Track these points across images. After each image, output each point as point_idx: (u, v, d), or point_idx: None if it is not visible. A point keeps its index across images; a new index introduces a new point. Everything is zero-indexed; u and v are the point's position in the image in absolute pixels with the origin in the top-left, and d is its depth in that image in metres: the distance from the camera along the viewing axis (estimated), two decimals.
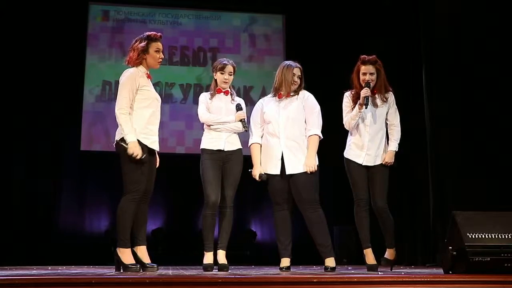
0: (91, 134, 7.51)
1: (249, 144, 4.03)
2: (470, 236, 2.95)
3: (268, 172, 3.90)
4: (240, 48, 8.11)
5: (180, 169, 6.95)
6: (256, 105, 4.10)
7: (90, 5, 7.83)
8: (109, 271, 3.64)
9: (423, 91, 6.31)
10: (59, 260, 5.66)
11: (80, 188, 7.43)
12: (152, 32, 3.66)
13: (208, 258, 3.84)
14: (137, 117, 3.52)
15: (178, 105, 7.81)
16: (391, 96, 4.06)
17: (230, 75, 4.01)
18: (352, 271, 3.78)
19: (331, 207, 7.40)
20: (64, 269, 4.23)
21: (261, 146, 3.97)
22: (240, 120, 3.94)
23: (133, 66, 3.62)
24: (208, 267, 3.80)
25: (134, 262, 3.46)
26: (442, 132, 6.03)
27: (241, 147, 4.00)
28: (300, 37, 7.88)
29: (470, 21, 5.88)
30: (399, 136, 4.02)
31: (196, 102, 7.30)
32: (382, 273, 3.42)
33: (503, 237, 2.97)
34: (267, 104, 4.00)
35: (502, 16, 5.67)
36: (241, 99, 4.14)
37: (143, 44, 3.59)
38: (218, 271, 3.77)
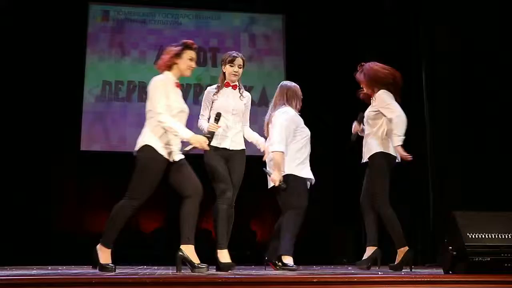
0: (91, 134, 7.49)
1: (275, 150, 3.88)
2: (470, 236, 2.96)
3: (307, 177, 3.98)
4: (240, 48, 8.07)
5: None
6: (288, 115, 4.01)
7: (90, 5, 7.81)
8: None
9: (423, 91, 6.31)
10: (59, 260, 5.65)
11: (80, 188, 7.42)
12: (189, 40, 3.59)
13: (225, 256, 3.67)
14: (158, 127, 3.41)
15: None
16: (372, 103, 4.09)
17: (240, 67, 3.88)
18: (352, 271, 3.78)
19: (331, 207, 7.42)
20: (64, 269, 4.23)
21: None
22: (208, 132, 3.59)
23: (162, 71, 3.56)
24: (230, 266, 3.61)
25: (110, 262, 3.42)
26: (442, 132, 6.04)
27: (245, 148, 3.94)
28: (300, 37, 7.87)
29: (470, 21, 5.88)
30: (399, 129, 3.84)
31: (196, 102, 7.26)
32: (382, 273, 3.42)
33: (503, 237, 2.97)
34: (296, 115, 4.08)
35: (502, 16, 5.67)
36: (248, 93, 4.03)
37: (178, 48, 3.52)
38: (218, 270, 3.76)
